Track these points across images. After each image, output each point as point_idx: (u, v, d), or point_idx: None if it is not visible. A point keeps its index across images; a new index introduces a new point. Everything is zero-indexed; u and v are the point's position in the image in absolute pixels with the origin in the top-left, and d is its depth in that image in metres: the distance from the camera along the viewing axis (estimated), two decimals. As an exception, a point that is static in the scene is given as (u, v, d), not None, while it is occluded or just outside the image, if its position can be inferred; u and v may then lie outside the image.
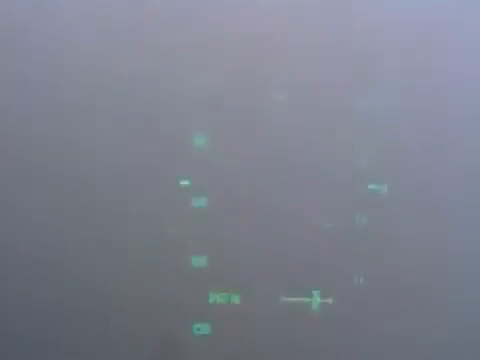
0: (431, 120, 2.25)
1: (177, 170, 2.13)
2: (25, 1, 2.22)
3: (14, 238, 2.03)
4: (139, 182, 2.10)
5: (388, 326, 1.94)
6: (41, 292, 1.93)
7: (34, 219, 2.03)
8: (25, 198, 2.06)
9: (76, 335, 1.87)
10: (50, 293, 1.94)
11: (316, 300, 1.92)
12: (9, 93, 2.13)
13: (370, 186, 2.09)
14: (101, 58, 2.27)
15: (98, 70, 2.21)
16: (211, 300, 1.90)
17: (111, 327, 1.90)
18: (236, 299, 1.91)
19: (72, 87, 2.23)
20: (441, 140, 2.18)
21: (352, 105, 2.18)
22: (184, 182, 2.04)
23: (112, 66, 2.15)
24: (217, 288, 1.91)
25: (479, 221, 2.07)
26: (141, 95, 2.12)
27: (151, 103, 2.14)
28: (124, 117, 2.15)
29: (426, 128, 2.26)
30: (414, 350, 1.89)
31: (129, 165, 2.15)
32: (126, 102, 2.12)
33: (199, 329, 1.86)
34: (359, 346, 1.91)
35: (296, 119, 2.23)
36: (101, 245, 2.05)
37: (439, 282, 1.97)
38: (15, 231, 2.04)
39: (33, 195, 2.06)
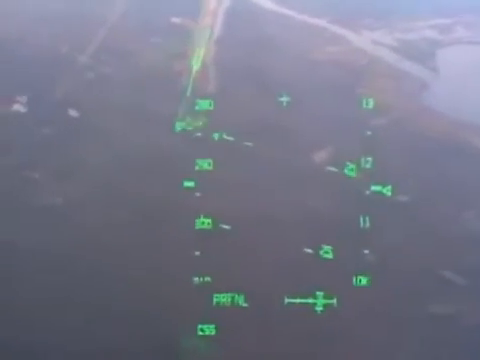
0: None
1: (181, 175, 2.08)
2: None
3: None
4: (144, 188, 2.06)
5: (391, 327, 1.88)
6: (48, 296, 1.91)
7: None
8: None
9: (81, 336, 1.88)
10: (56, 296, 1.94)
11: (320, 301, 1.90)
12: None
13: (373, 188, 2.03)
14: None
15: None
16: (215, 301, 1.95)
17: (116, 328, 1.92)
18: (241, 300, 1.95)
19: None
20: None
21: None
22: (189, 183, 2.01)
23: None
24: (222, 289, 1.96)
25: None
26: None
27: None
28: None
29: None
30: (417, 351, 1.83)
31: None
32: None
33: (203, 330, 1.91)
34: (362, 347, 1.86)
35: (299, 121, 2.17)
36: (104, 245, 2.03)
37: (442, 284, 1.90)
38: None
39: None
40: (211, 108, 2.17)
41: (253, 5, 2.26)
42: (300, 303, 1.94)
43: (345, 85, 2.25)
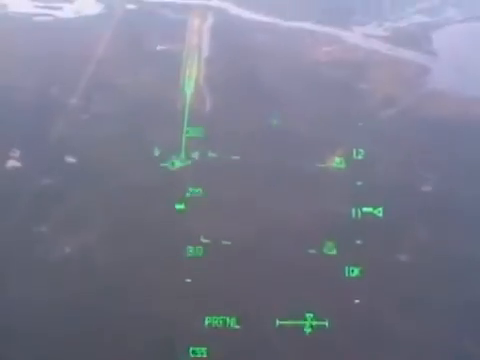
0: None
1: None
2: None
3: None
4: (136, 205, 2.02)
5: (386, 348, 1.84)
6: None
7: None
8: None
9: (74, 354, 1.83)
10: (48, 310, 1.95)
11: (310, 323, 1.87)
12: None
13: (364, 209, 1.99)
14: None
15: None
16: (207, 323, 1.90)
17: (105, 350, 1.88)
18: (233, 322, 1.90)
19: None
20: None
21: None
22: (179, 206, 1.98)
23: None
24: (213, 311, 1.91)
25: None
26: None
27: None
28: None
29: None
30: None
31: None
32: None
33: (195, 353, 1.86)
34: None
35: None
36: (95, 263, 2.00)
37: (439, 302, 1.87)
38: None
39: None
40: (202, 135, 2.13)
41: (237, 18, 2.22)
42: (291, 325, 1.88)
43: (346, 83, 2.20)
